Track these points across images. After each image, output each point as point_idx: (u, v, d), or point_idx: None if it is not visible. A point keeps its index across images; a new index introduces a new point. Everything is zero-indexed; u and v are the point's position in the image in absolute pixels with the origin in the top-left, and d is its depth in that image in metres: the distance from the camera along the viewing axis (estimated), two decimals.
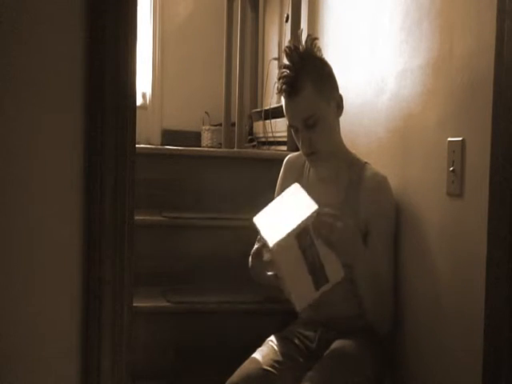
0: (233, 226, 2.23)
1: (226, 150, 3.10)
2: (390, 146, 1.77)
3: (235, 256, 2.15)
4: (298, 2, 2.61)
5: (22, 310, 0.99)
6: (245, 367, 1.56)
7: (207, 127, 3.63)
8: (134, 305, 1.08)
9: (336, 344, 1.58)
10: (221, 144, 3.36)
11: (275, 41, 3.30)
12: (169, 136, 3.72)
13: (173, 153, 2.42)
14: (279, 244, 1.40)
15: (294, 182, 1.78)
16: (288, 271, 1.45)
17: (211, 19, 3.69)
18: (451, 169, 1.41)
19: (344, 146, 1.72)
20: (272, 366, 1.56)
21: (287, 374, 1.57)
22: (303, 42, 1.64)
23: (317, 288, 1.43)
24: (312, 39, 1.65)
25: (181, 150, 2.44)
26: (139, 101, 3.76)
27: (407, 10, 1.67)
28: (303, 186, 1.75)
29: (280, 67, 1.66)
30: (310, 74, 1.60)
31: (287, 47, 1.64)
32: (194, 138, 3.66)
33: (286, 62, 1.63)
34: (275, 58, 3.23)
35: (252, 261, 1.66)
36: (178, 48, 3.78)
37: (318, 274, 1.42)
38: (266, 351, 1.62)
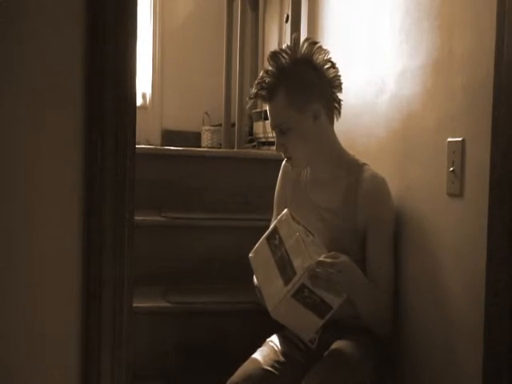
0: (232, 226, 2.23)
1: (226, 150, 3.10)
2: (389, 146, 1.77)
3: (235, 256, 2.15)
4: (298, 2, 2.62)
5: (22, 310, 0.99)
6: (245, 367, 1.56)
7: (207, 127, 3.63)
8: (134, 305, 1.08)
9: (336, 344, 1.58)
10: (221, 144, 3.36)
11: (275, 41, 3.30)
12: (169, 136, 3.72)
13: (173, 153, 2.42)
14: (277, 308, 1.43)
15: (292, 186, 1.78)
16: (290, 320, 1.48)
17: (211, 19, 3.69)
18: (451, 169, 1.41)
19: (339, 148, 1.71)
20: (272, 366, 1.56)
21: (287, 374, 1.57)
22: (301, 46, 1.62)
23: (322, 317, 1.46)
24: (310, 43, 1.63)
25: (181, 150, 2.44)
26: (139, 101, 3.76)
27: (407, 10, 1.67)
28: (301, 190, 1.75)
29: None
30: (285, 82, 1.59)
31: (272, 52, 1.63)
32: (194, 138, 3.66)
33: (268, 66, 1.63)
34: None
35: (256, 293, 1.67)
36: (178, 48, 3.78)
37: (320, 307, 1.44)
38: (267, 351, 1.62)
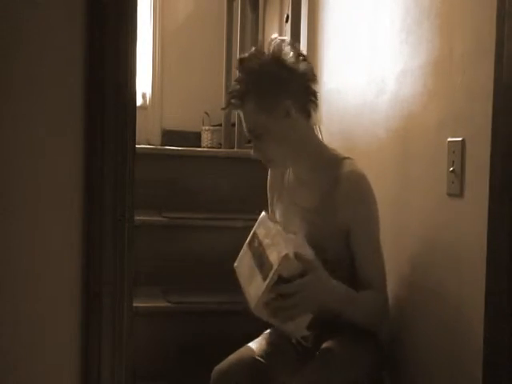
0: (232, 226, 2.22)
1: (226, 150, 3.10)
2: (389, 146, 1.77)
3: (235, 256, 2.15)
4: (298, 2, 2.61)
5: (22, 310, 0.99)
6: (238, 353, 1.60)
7: (207, 127, 3.63)
8: (134, 305, 1.08)
9: (327, 343, 1.54)
10: (221, 144, 3.36)
11: None
12: (169, 136, 3.72)
13: (173, 153, 2.42)
14: (258, 304, 1.43)
15: (279, 186, 1.78)
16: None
17: (211, 19, 3.68)
18: (451, 169, 1.41)
19: (319, 145, 1.67)
20: (264, 357, 1.58)
21: (279, 367, 1.58)
22: (268, 46, 1.58)
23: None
24: (277, 41, 1.58)
25: (181, 150, 2.44)
26: (139, 101, 3.76)
27: (407, 10, 1.67)
28: (284, 190, 1.74)
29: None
30: (255, 86, 1.56)
31: (239, 59, 1.62)
32: (194, 138, 3.65)
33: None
34: None
35: None
36: (178, 48, 3.78)
37: None
38: (261, 342, 1.65)
